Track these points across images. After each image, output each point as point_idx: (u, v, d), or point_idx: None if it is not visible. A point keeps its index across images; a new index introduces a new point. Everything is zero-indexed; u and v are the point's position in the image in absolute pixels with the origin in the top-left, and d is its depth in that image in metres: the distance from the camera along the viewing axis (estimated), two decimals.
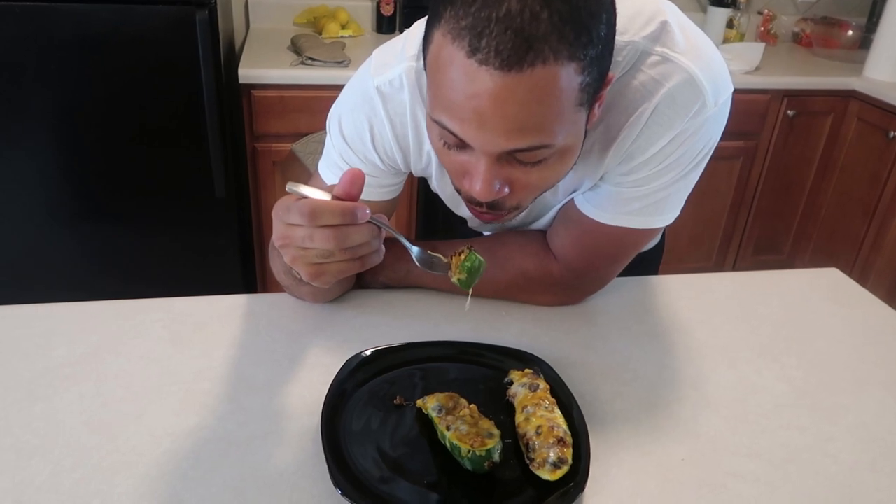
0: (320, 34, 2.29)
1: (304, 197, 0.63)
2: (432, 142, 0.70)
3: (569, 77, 0.58)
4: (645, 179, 0.79)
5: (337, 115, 0.85)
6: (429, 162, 0.86)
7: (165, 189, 1.90)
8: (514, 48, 0.55)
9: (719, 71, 0.76)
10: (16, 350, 0.80)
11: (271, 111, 1.97)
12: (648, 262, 0.95)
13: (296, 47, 2.09)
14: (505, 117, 0.59)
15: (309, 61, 1.98)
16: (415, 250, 0.70)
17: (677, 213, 0.85)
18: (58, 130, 1.78)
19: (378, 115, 0.81)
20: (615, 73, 0.73)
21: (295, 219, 0.62)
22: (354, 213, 0.62)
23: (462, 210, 0.96)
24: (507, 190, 0.67)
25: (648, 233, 0.85)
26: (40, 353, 0.80)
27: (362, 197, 0.86)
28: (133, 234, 1.94)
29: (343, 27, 2.34)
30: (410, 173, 0.91)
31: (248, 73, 1.92)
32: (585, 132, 0.68)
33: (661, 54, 0.72)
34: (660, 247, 1.12)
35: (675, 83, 0.72)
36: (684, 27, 0.75)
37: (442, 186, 0.92)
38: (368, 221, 0.64)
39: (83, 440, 0.68)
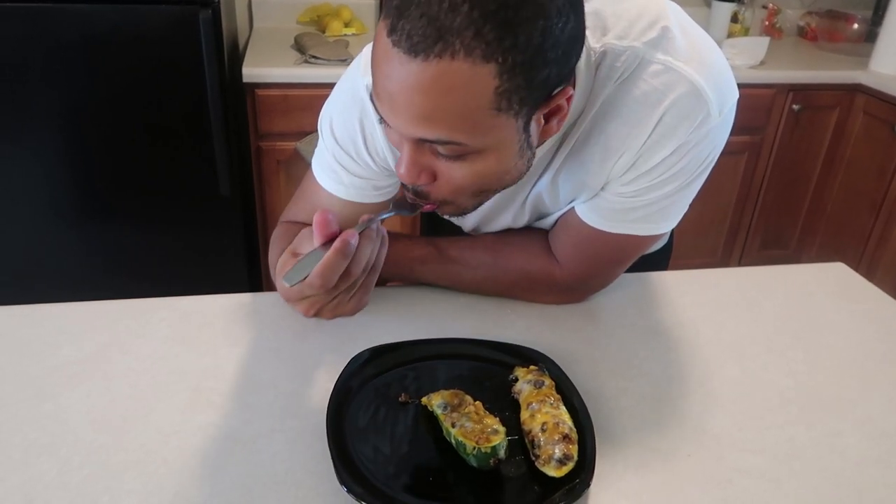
0: (323, 32, 2.29)
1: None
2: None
3: (480, 78, 0.56)
4: (647, 190, 0.78)
5: (328, 117, 0.85)
6: None
7: (170, 188, 1.90)
8: (423, 35, 0.55)
9: (724, 78, 0.74)
10: (24, 349, 0.80)
11: (275, 110, 1.97)
12: (657, 260, 0.95)
13: (299, 46, 2.09)
14: (410, 104, 0.59)
15: (312, 59, 1.98)
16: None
17: (678, 219, 0.84)
18: (63, 130, 1.79)
19: (368, 115, 0.81)
20: (612, 79, 0.72)
21: (312, 292, 0.66)
22: (348, 245, 0.65)
23: None
24: (430, 179, 0.67)
25: (651, 239, 0.85)
26: (48, 352, 0.80)
27: (359, 201, 0.87)
28: (138, 232, 1.95)
29: (346, 25, 2.34)
30: None
31: (251, 71, 1.92)
32: (532, 144, 0.67)
33: (663, 63, 0.71)
34: (668, 248, 1.11)
35: (679, 94, 0.71)
36: (687, 31, 0.73)
37: None
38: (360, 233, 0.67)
39: (91, 438, 0.69)
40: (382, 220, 0.71)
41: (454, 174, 0.66)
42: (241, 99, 1.97)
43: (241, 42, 2.32)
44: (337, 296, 0.73)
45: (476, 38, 0.54)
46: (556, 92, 0.63)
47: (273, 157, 2.04)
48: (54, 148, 1.80)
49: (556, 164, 0.81)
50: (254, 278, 2.15)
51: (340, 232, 0.68)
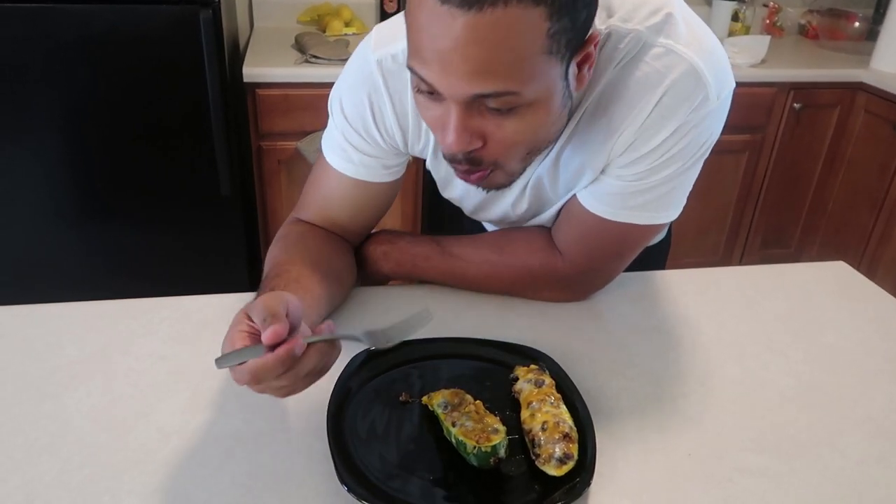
0: (324, 32, 2.29)
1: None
2: (415, 97, 0.70)
3: (533, 21, 0.58)
4: (647, 172, 0.78)
5: (338, 95, 0.86)
6: (426, 142, 0.86)
7: (171, 188, 1.90)
8: None
9: (722, 66, 0.76)
10: (25, 349, 0.81)
11: (276, 109, 1.97)
12: (654, 257, 0.95)
13: (300, 45, 2.09)
14: (467, 59, 0.59)
15: (313, 59, 1.98)
16: (365, 337, 0.65)
17: (680, 209, 0.85)
18: (63, 130, 1.79)
19: (378, 91, 0.81)
20: (615, 60, 0.73)
21: (244, 380, 0.60)
22: (291, 356, 0.58)
23: (450, 191, 0.95)
24: (479, 143, 0.67)
25: (652, 229, 0.85)
26: (49, 352, 0.80)
27: (369, 179, 0.87)
28: (139, 232, 1.95)
29: (347, 24, 2.34)
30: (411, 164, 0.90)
31: (252, 71, 1.92)
32: (571, 93, 0.68)
33: (664, 46, 0.72)
34: (666, 242, 1.12)
35: (679, 75, 0.72)
36: (689, 21, 0.75)
37: (435, 166, 0.91)
38: (310, 342, 0.60)
39: (92, 438, 0.69)
40: (337, 338, 0.64)
41: (506, 131, 0.66)
42: (241, 99, 1.97)
43: (242, 42, 2.32)
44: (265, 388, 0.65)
45: None
46: (588, 36, 0.65)
47: (274, 156, 2.04)
48: (55, 148, 1.80)
49: (559, 145, 0.81)
50: (254, 278, 2.15)
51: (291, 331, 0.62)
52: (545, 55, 0.61)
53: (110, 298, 0.90)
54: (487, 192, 0.80)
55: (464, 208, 1.00)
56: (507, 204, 0.92)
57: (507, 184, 0.75)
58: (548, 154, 0.82)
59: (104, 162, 1.84)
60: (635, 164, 0.78)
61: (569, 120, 0.78)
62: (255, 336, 0.61)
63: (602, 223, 0.83)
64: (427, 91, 0.65)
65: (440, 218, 1.37)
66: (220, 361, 0.60)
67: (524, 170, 0.75)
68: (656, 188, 0.80)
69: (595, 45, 0.67)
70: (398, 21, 0.82)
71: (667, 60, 0.72)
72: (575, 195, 0.86)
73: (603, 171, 0.81)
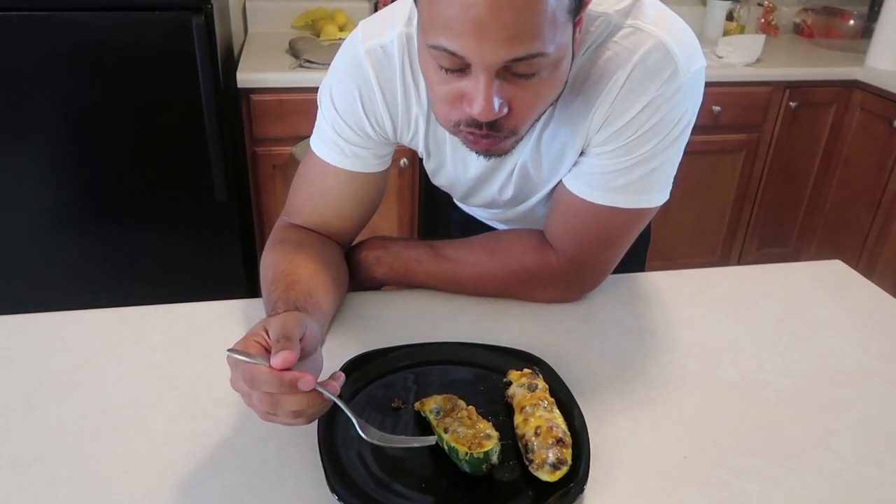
0: (318, 37, 2.29)
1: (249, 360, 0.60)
2: (427, 75, 0.71)
3: None
4: (623, 150, 0.80)
5: (328, 87, 0.87)
6: (416, 131, 0.87)
7: (167, 194, 1.90)
8: None
9: (690, 42, 0.78)
10: (14, 359, 0.80)
11: (270, 115, 1.96)
12: (635, 250, 0.95)
13: (294, 50, 2.09)
14: (503, 25, 0.61)
15: (307, 63, 1.97)
16: (364, 430, 0.64)
17: (664, 195, 0.85)
18: (58, 137, 1.78)
19: (367, 81, 0.83)
20: (587, 42, 0.76)
21: (241, 386, 0.61)
22: (294, 384, 0.59)
23: (441, 178, 0.96)
24: (505, 110, 0.68)
25: (637, 215, 0.85)
26: (38, 361, 0.80)
27: (361, 170, 0.88)
28: (137, 239, 1.94)
29: (341, 29, 2.34)
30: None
31: (246, 77, 1.91)
32: (573, 55, 0.71)
33: (632, 25, 0.76)
34: (646, 235, 1.12)
35: (647, 49, 0.75)
36: (657, 5, 0.79)
37: (426, 154, 0.92)
38: (316, 389, 0.60)
39: (81, 448, 0.68)
40: (337, 403, 0.63)
41: (528, 95, 0.68)
42: (236, 104, 1.97)
43: (236, 47, 2.32)
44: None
45: None
46: None
47: (269, 161, 2.04)
48: (50, 155, 1.80)
49: (539, 128, 0.83)
50: (252, 282, 2.15)
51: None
52: (567, 14, 0.65)
53: (107, 304, 0.90)
54: (489, 159, 0.82)
55: (454, 194, 1.01)
56: (494, 189, 0.93)
57: (510, 150, 0.77)
58: (530, 139, 0.84)
59: (99, 169, 1.84)
60: (611, 140, 0.80)
61: None
62: (268, 351, 0.62)
63: (586, 206, 0.84)
64: (452, 67, 0.66)
65: (435, 221, 1.36)
66: (232, 351, 0.61)
67: (524, 135, 0.76)
68: (635, 168, 0.81)
69: (584, 6, 0.69)
70: (384, 14, 0.84)
71: (634, 38, 0.76)
72: (561, 182, 0.87)
73: (583, 153, 0.83)
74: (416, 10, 0.79)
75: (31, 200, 1.84)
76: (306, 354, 0.63)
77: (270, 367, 0.59)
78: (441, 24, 0.63)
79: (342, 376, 0.64)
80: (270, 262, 0.85)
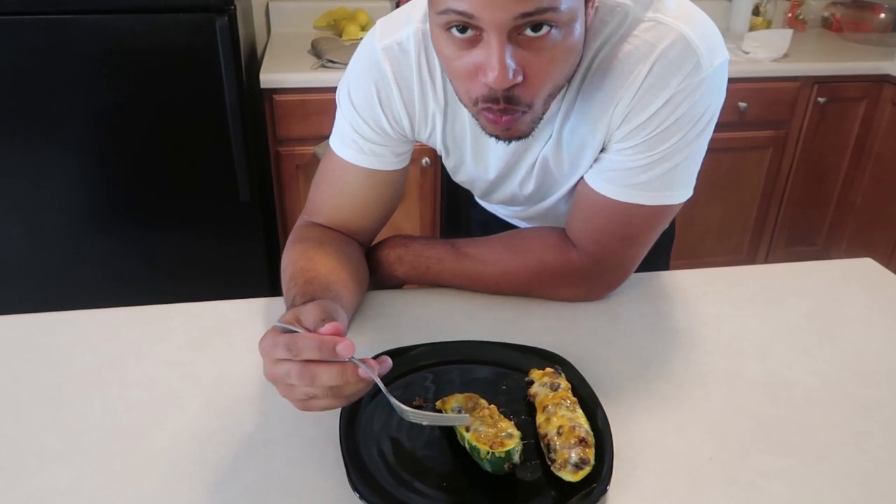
0: (340, 36, 2.30)
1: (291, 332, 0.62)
2: (442, 53, 0.71)
3: None
4: (645, 145, 0.78)
5: (346, 86, 0.87)
6: (433, 127, 0.87)
7: (192, 194, 1.92)
8: None
9: (713, 35, 0.77)
10: (41, 357, 0.81)
11: (293, 115, 1.98)
12: (659, 248, 0.94)
13: (316, 50, 2.10)
14: None
15: (329, 63, 1.98)
16: (401, 408, 0.64)
17: (688, 191, 0.84)
18: (85, 139, 1.81)
19: (385, 77, 0.83)
20: (605, 33, 0.76)
21: (280, 353, 0.61)
22: (333, 349, 0.60)
23: (462, 174, 0.95)
24: (520, 77, 0.67)
25: (660, 211, 0.84)
26: (65, 359, 0.81)
27: (381, 168, 0.89)
28: (162, 239, 1.97)
29: (363, 28, 2.34)
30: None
31: (269, 77, 1.93)
32: (585, 29, 0.71)
33: (653, 19, 0.75)
34: (670, 233, 1.10)
35: (668, 43, 0.74)
36: None
37: (444, 151, 0.92)
38: (352, 361, 0.61)
39: (106, 445, 0.69)
40: (376, 382, 0.63)
41: (542, 61, 0.68)
42: (259, 105, 1.98)
43: (259, 48, 2.33)
44: (297, 390, 0.64)
45: None
46: None
47: (292, 161, 2.05)
48: (76, 155, 1.83)
49: (559, 121, 0.82)
50: (274, 281, 2.16)
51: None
52: None
53: (133, 303, 0.91)
54: (508, 143, 0.81)
55: (475, 191, 1.01)
56: (514, 184, 0.92)
57: (529, 132, 0.76)
58: (551, 131, 0.83)
59: (124, 169, 1.86)
60: (632, 135, 0.79)
61: (565, 96, 0.80)
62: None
63: (607, 203, 0.83)
64: (462, 31, 0.66)
65: (458, 222, 1.36)
66: (278, 324, 0.63)
67: (546, 110, 0.75)
68: (658, 164, 0.79)
69: None
70: (400, 12, 0.84)
71: (656, 32, 0.75)
72: (583, 179, 0.86)
73: (604, 149, 0.82)
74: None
75: (59, 200, 1.87)
76: None
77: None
78: None
79: (388, 361, 0.64)
80: (290, 260, 0.85)
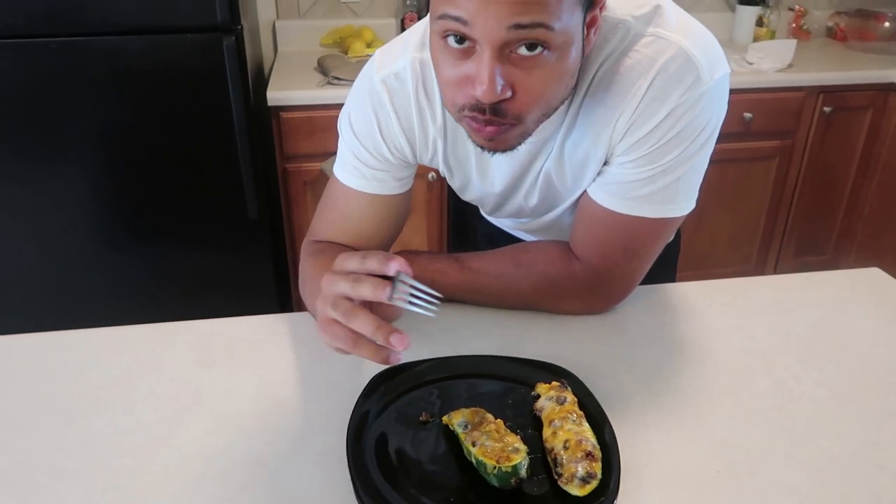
0: (346, 53, 2.32)
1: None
2: (436, 62, 0.72)
3: None
4: (647, 159, 0.79)
5: (346, 115, 0.89)
6: (434, 151, 0.89)
7: (201, 212, 1.94)
8: None
9: (713, 49, 0.78)
10: (51, 375, 0.82)
11: (300, 132, 1.99)
12: (665, 261, 0.94)
13: (322, 68, 2.12)
14: None
15: (335, 80, 2.00)
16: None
17: (690, 204, 0.84)
18: (95, 158, 1.83)
19: (384, 107, 0.85)
20: (607, 50, 0.76)
21: (349, 263, 0.67)
22: (388, 264, 0.65)
23: (469, 193, 0.97)
24: (509, 93, 0.68)
25: (663, 224, 0.84)
26: (74, 377, 0.81)
27: (383, 193, 0.90)
28: (171, 256, 1.98)
29: (368, 46, 2.36)
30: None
31: (276, 95, 1.95)
32: (582, 53, 0.71)
33: (653, 34, 0.76)
34: (675, 245, 1.10)
35: (669, 57, 0.75)
36: (678, 12, 0.79)
37: (448, 174, 0.94)
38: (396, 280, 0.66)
39: (114, 463, 0.69)
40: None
41: (532, 80, 0.68)
42: (266, 122, 2.00)
43: (266, 66, 2.36)
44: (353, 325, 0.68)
45: None
46: None
47: (299, 178, 2.07)
48: (87, 175, 1.85)
49: (561, 136, 0.83)
50: (283, 298, 2.17)
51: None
52: None
53: (142, 320, 0.92)
54: (493, 154, 0.81)
55: (483, 208, 1.03)
56: (520, 198, 0.94)
57: (516, 145, 0.76)
58: (553, 146, 0.84)
59: (134, 187, 1.88)
60: (634, 149, 0.79)
61: (567, 111, 0.80)
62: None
63: (610, 216, 0.84)
64: (457, 41, 0.67)
65: (465, 236, 1.37)
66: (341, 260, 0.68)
67: (532, 132, 0.75)
68: (660, 177, 0.80)
69: (601, 9, 0.70)
70: (398, 42, 0.86)
71: (656, 46, 0.75)
72: (586, 192, 0.86)
73: (607, 163, 0.83)
74: (428, 31, 0.81)
75: (69, 218, 1.89)
76: None
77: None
78: None
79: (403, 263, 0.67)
80: (307, 275, 0.87)
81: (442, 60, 0.71)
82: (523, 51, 0.66)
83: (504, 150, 0.76)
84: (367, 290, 0.65)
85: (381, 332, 0.63)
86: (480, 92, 0.67)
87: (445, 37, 0.68)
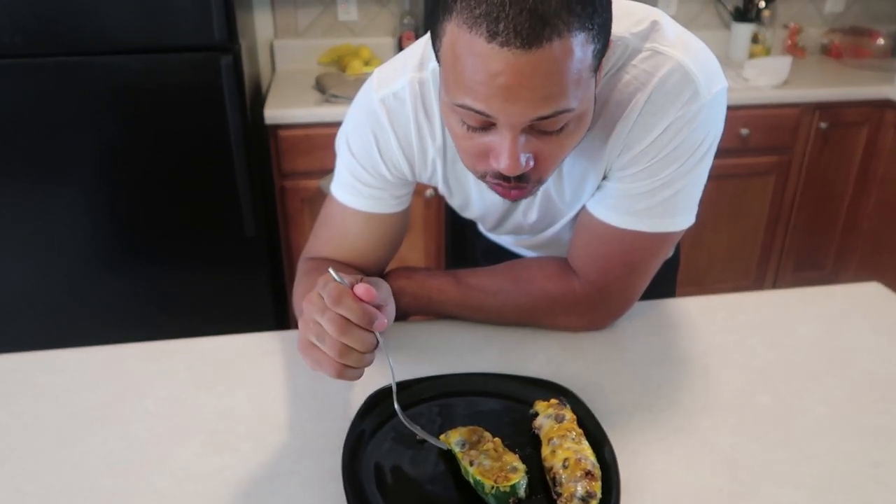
0: (344, 71, 2.33)
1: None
2: (452, 129, 0.71)
3: (582, 45, 0.62)
4: (645, 173, 0.79)
5: (344, 135, 0.89)
6: (434, 170, 0.88)
7: (197, 229, 1.93)
8: (531, 27, 0.59)
9: (710, 63, 0.78)
10: (43, 395, 0.81)
11: (297, 149, 2.00)
12: (664, 277, 0.93)
13: (320, 86, 2.13)
14: (532, 89, 0.62)
15: (333, 98, 2.01)
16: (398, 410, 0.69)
17: (689, 218, 0.84)
18: (91, 176, 1.83)
19: (383, 127, 0.84)
20: (605, 67, 0.75)
21: (323, 293, 0.65)
22: (371, 320, 0.65)
23: (470, 212, 0.96)
24: (532, 164, 0.68)
25: (662, 239, 0.84)
26: (67, 397, 0.80)
27: (380, 211, 0.90)
28: (168, 274, 1.98)
29: (366, 64, 2.37)
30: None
31: (273, 113, 1.95)
32: (595, 98, 0.71)
33: (650, 49, 0.76)
34: (675, 261, 1.09)
35: (666, 72, 0.75)
36: (676, 27, 0.79)
37: (448, 193, 0.93)
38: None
39: (107, 484, 0.68)
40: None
41: (553, 148, 0.69)
42: (264, 140, 2.00)
43: (264, 85, 2.37)
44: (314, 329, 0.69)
45: (570, 14, 0.60)
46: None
47: (297, 195, 2.06)
48: (83, 193, 1.85)
49: None
50: (280, 315, 2.16)
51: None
52: (590, 72, 0.65)
53: (137, 338, 0.91)
54: (515, 201, 0.82)
55: (484, 225, 1.02)
56: (519, 214, 0.93)
57: (535, 193, 0.77)
58: None
59: (131, 205, 1.88)
60: (632, 163, 0.79)
61: None
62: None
63: (609, 231, 0.83)
64: (478, 126, 0.67)
65: (463, 252, 1.37)
66: (332, 271, 0.67)
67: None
68: (658, 191, 0.80)
69: (604, 56, 0.70)
70: (396, 62, 0.86)
71: (653, 61, 0.75)
72: (584, 207, 0.86)
73: (606, 177, 0.83)
74: (427, 53, 0.81)
75: (65, 236, 1.89)
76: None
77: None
78: (466, 87, 0.64)
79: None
80: (301, 293, 0.86)
81: (459, 132, 0.70)
82: (546, 126, 0.66)
83: (527, 197, 0.77)
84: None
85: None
86: (504, 166, 0.67)
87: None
